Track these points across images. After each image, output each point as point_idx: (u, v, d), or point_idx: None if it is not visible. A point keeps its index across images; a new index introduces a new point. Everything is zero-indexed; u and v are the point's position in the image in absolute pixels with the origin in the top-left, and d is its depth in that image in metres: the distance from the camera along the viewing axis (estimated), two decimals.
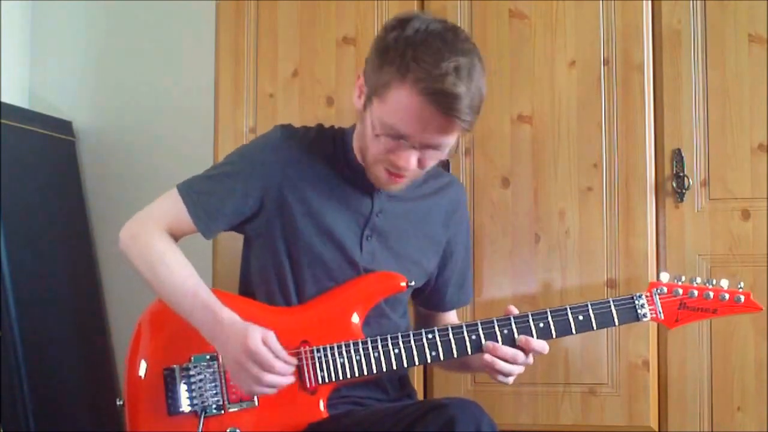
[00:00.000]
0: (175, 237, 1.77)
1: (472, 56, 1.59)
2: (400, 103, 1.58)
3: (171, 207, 1.77)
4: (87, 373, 2.61)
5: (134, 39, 2.81)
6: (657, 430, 2.13)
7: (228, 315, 1.64)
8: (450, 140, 1.63)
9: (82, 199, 2.77)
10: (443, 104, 1.55)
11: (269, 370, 1.60)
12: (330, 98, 2.30)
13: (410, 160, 1.63)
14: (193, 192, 1.77)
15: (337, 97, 2.30)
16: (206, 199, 1.76)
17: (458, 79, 1.54)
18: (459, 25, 2.23)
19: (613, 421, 2.14)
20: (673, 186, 2.15)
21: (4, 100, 2.59)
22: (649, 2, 2.19)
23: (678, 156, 2.15)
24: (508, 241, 2.21)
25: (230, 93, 2.35)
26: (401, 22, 1.62)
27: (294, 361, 1.65)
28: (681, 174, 2.14)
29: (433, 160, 1.67)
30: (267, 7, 2.35)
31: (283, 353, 1.63)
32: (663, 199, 2.16)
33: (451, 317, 1.99)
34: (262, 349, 1.60)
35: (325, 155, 1.78)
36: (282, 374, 1.62)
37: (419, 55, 1.56)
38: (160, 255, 1.72)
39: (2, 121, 2.48)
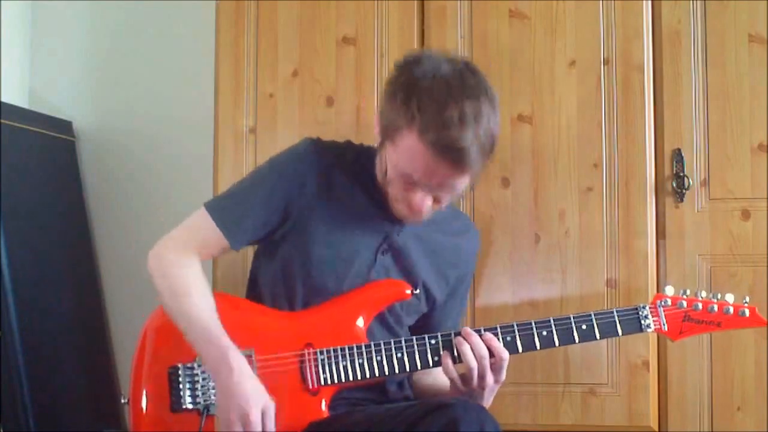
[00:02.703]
0: (206, 257, 1.77)
1: (478, 99, 1.59)
2: (409, 150, 1.60)
3: (199, 225, 1.77)
4: (87, 373, 2.61)
5: (134, 39, 2.81)
6: (657, 430, 2.13)
7: (237, 364, 1.62)
8: (463, 182, 1.66)
9: (82, 199, 2.78)
10: (450, 155, 1.57)
11: None
12: (330, 98, 2.30)
13: (424, 202, 1.67)
14: (220, 207, 1.78)
15: (337, 97, 2.30)
16: (235, 212, 1.77)
17: (463, 127, 1.55)
18: (459, 25, 2.24)
19: (613, 421, 2.14)
20: (673, 186, 2.15)
21: (4, 100, 2.59)
22: (649, 2, 2.19)
23: (678, 156, 2.15)
24: (508, 241, 2.21)
25: (230, 93, 2.35)
26: (411, 64, 1.63)
27: None
28: (681, 174, 2.14)
29: (448, 198, 1.70)
30: (267, 7, 2.35)
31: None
32: (663, 199, 2.16)
33: None
34: (257, 425, 1.59)
35: (351, 171, 1.79)
36: None
37: (423, 104, 1.57)
38: (186, 286, 1.70)
39: (2, 121, 2.48)
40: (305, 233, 1.76)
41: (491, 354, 1.67)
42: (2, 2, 2.71)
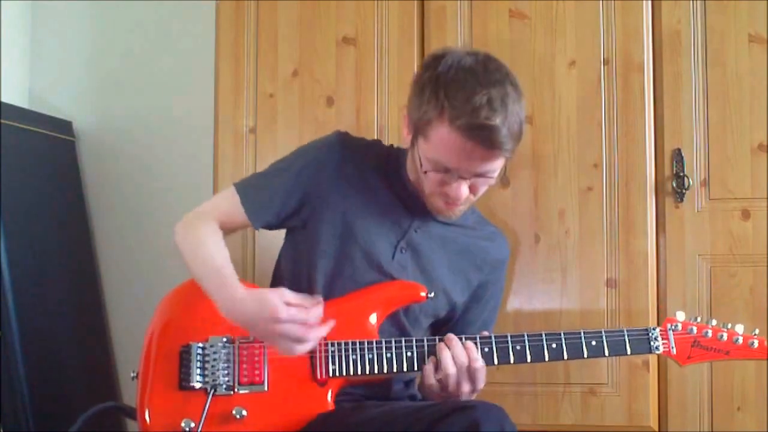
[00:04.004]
0: (226, 229, 1.83)
1: (504, 85, 1.64)
2: (442, 140, 1.64)
3: (224, 200, 1.86)
4: (87, 373, 2.61)
5: (134, 39, 2.81)
6: (657, 430, 2.13)
7: (241, 292, 1.66)
8: (496, 167, 1.69)
9: (82, 199, 2.78)
10: (482, 138, 1.61)
11: (307, 325, 1.62)
12: (330, 98, 2.30)
13: (461, 189, 1.70)
14: (246, 185, 1.86)
15: (337, 97, 2.30)
16: (257, 190, 1.84)
17: (492, 111, 1.60)
18: (459, 25, 2.25)
19: (613, 421, 2.14)
20: (673, 186, 2.15)
21: (4, 100, 2.59)
22: (649, 2, 2.19)
23: (678, 156, 2.15)
24: (508, 241, 2.20)
25: (230, 93, 2.35)
26: (435, 60, 1.68)
27: (318, 301, 1.66)
28: (681, 174, 2.14)
29: (483, 186, 1.73)
30: (267, 7, 2.35)
31: (307, 302, 1.65)
32: (663, 199, 2.16)
33: None
34: (293, 314, 1.61)
35: (376, 165, 1.84)
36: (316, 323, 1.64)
37: (451, 93, 1.62)
38: (201, 237, 1.77)
39: (2, 121, 2.48)
40: (323, 221, 1.80)
41: (469, 363, 1.68)
42: (2, 2, 2.71)
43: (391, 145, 1.92)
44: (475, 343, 1.71)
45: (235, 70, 2.35)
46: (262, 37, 2.35)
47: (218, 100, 2.36)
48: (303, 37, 2.33)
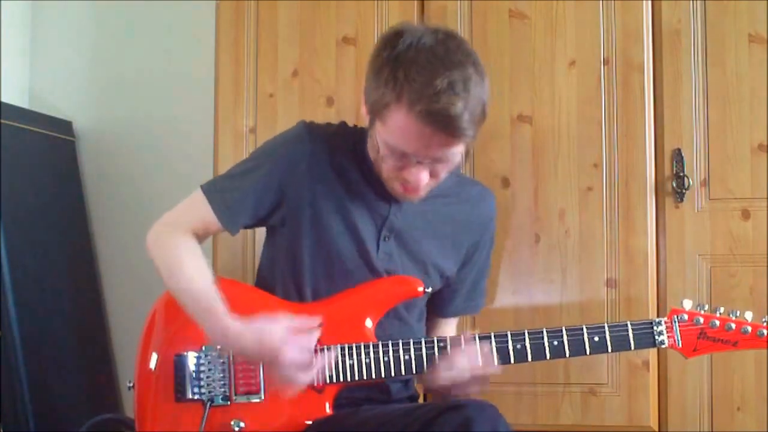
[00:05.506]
0: (201, 237, 1.78)
1: (465, 67, 1.54)
2: (399, 125, 1.55)
3: (195, 207, 1.77)
4: (87, 373, 2.61)
5: (134, 39, 2.81)
6: (657, 430, 2.13)
7: (235, 327, 1.61)
8: (457, 151, 1.61)
9: (82, 199, 2.78)
10: (442, 124, 1.52)
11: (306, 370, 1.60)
12: (330, 98, 2.30)
13: (420, 175, 1.62)
14: (215, 190, 1.77)
15: (337, 97, 2.30)
16: (229, 195, 1.76)
17: (453, 95, 1.51)
18: (459, 25, 2.25)
19: (613, 421, 2.14)
20: (673, 186, 2.15)
21: (4, 100, 2.59)
22: (649, 2, 2.19)
23: (678, 156, 2.15)
24: (508, 241, 2.20)
25: (230, 93, 2.35)
26: (393, 38, 1.57)
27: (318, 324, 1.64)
28: (681, 174, 2.14)
29: (444, 170, 1.66)
30: (267, 7, 2.35)
31: (305, 325, 1.62)
32: (663, 199, 2.16)
33: (450, 326, 1.95)
34: (294, 356, 1.58)
35: (346, 152, 1.77)
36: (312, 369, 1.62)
37: (411, 75, 1.52)
38: (179, 258, 1.71)
39: (2, 121, 2.48)
40: (303, 219, 1.74)
41: (483, 364, 1.66)
42: (2, 2, 2.71)
43: (355, 125, 1.83)
44: (478, 342, 1.68)
45: (235, 70, 2.35)
46: (262, 37, 2.35)
47: (218, 100, 2.36)
48: (303, 37, 2.33)
